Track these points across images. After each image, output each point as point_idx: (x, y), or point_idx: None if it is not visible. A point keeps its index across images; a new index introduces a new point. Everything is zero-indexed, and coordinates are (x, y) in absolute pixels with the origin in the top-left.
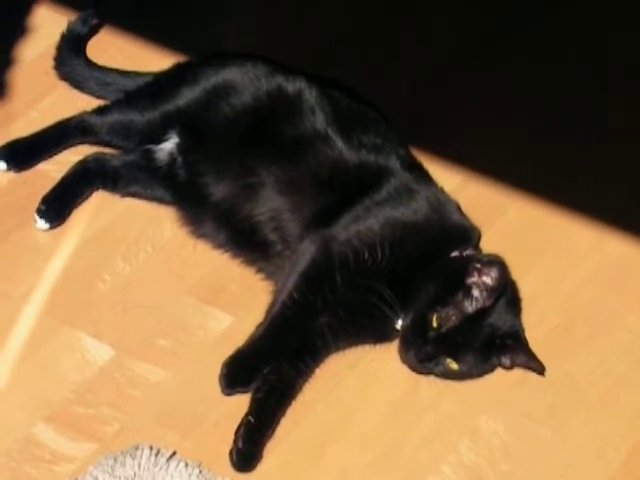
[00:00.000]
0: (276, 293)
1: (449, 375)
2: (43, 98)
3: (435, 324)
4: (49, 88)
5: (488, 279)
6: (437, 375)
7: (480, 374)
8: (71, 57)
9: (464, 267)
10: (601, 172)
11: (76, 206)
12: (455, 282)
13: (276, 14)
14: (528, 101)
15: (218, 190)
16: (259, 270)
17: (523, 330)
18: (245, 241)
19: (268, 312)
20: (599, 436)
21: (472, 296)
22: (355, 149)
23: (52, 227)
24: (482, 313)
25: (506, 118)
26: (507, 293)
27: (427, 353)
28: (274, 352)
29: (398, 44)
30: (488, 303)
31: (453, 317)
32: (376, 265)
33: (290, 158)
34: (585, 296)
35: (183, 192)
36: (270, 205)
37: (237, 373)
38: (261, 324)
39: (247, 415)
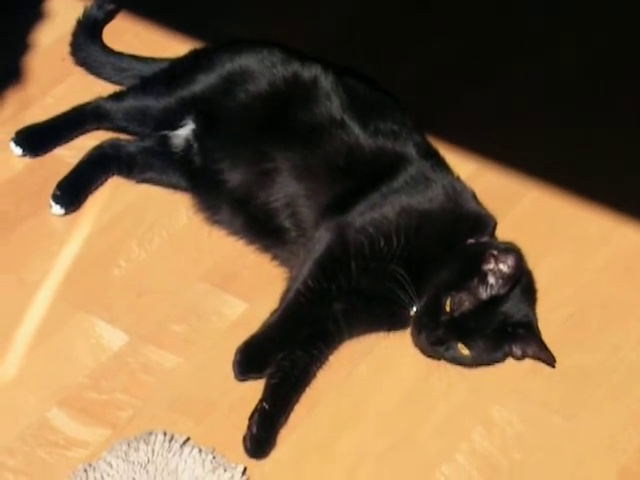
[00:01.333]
0: (291, 280)
1: (459, 360)
2: (59, 84)
3: (448, 308)
4: (65, 74)
5: (504, 267)
6: (447, 360)
7: (490, 362)
8: (87, 43)
9: (480, 253)
10: (615, 162)
11: (91, 192)
12: (471, 268)
13: (292, 3)
14: (544, 90)
15: (234, 177)
16: (274, 257)
17: (536, 321)
18: (260, 228)
19: (282, 299)
20: (612, 425)
21: (487, 283)
22: (372, 135)
23: (67, 212)
24: (496, 300)
25: (522, 107)
26: (522, 282)
27: (439, 336)
28: (288, 339)
29: (412, 29)
30: (503, 291)
31: (467, 302)
32: (391, 253)
33: (306, 144)
34: (599, 286)
35: (199, 178)
36: (286, 191)
37: (251, 359)
38: (275, 311)
39: (261, 401)
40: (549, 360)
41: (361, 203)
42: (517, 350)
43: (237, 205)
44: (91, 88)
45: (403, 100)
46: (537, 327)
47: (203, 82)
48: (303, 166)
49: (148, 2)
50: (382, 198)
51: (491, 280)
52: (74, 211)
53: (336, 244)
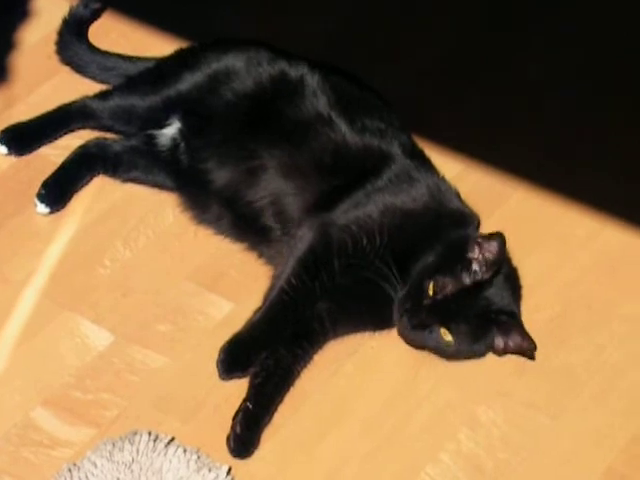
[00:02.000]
0: (274, 278)
1: (442, 348)
2: (45, 82)
3: (431, 291)
4: (51, 72)
5: (488, 254)
6: (430, 348)
7: (473, 353)
8: (73, 41)
9: (465, 242)
10: (601, 162)
11: (76, 191)
12: (455, 255)
13: (279, 4)
14: (529, 91)
15: (221, 176)
16: (260, 255)
17: (520, 314)
18: (247, 227)
19: (266, 297)
20: (597, 425)
21: (471, 269)
22: (358, 133)
23: (52, 211)
24: (479, 286)
25: (507, 107)
26: (505, 272)
27: (421, 319)
28: (272, 337)
29: (401, 32)
30: (486, 276)
31: (450, 286)
32: (374, 251)
33: (292, 142)
34: (583, 285)
35: (185, 178)
36: (272, 189)
37: (234, 358)
38: (259, 309)
39: (245, 401)
40: (531, 349)
41: (345, 201)
42: (499, 341)
43: (224, 204)
44: (77, 87)
45: (391, 100)
46: (520, 318)
47: (189, 81)
48: (289, 163)
49: (134, 1)
50: (366, 197)
51: (475, 267)
52: (59, 210)
53: (319, 242)
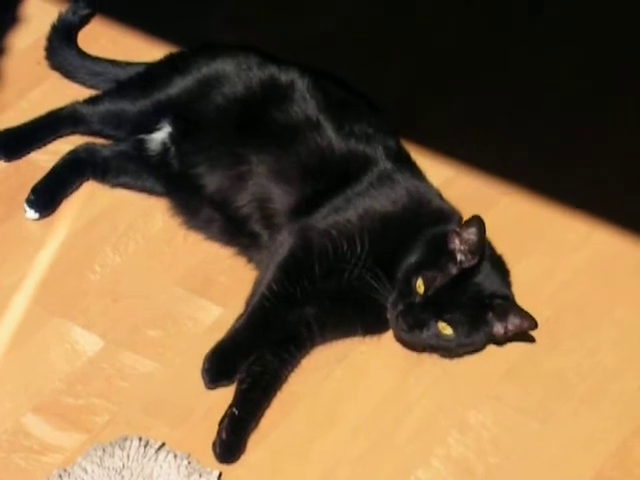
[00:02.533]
0: (255, 284)
1: (443, 344)
2: (34, 88)
3: (421, 288)
4: (40, 78)
5: (470, 239)
6: (432, 346)
7: (474, 343)
8: (62, 47)
9: (445, 236)
10: (591, 166)
11: (66, 196)
12: (437, 249)
13: (270, 6)
14: (520, 96)
15: (211, 181)
16: (250, 260)
17: (513, 295)
18: (237, 231)
19: (247, 303)
20: (588, 429)
21: (455, 259)
22: (344, 138)
23: (41, 217)
24: (467, 273)
25: (498, 113)
26: (492, 259)
27: (416, 318)
28: (255, 344)
29: (391, 38)
30: (472, 262)
31: (438, 278)
32: (356, 256)
33: (281, 146)
34: (574, 289)
35: (175, 182)
36: (259, 194)
37: (219, 367)
38: (241, 316)
39: (231, 407)
40: (531, 325)
41: (325, 206)
42: (498, 327)
43: (214, 209)
44: (67, 92)
45: (380, 105)
46: (514, 301)
47: (179, 86)
48: (277, 168)
49: (124, 7)
50: (346, 201)
51: (459, 256)
52: (48, 216)
53: (299, 247)
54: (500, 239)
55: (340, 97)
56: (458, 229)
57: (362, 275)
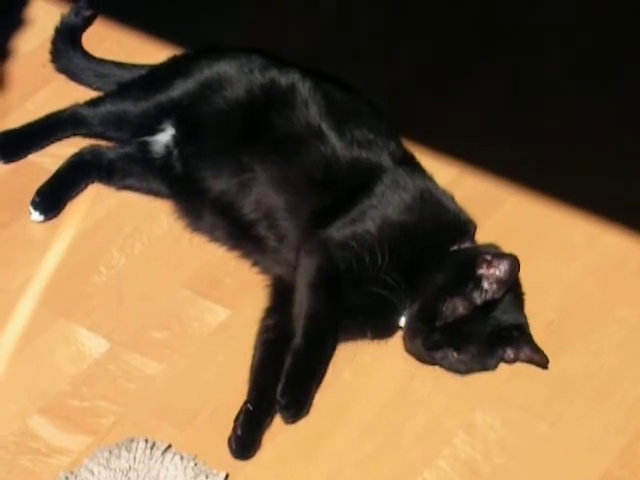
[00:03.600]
0: (291, 315)
1: (454, 367)
2: (39, 90)
3: (444, 314)
4: (46, 80)
5: (498, 272)
6: (442, 365)
7: (484, 367)
8: (67, 49)
9: (473, 258)
10: (597, 167)
11: (71, 198)
12: (465, 273)
13: (273, 9)
14: (526, 95)
15: (215, 185)
16: (255, 264)
17: (527, 324)
18: (241, 235)
19: (295, 333)
20: (594, 430)
21: (482, 288)
22: (348, 145)
23: (47, 219)
24: (490, 305)
25: (504, 111)
26: (514, 288)
27: (434, 341)
28: (322, 370)
29: (393, 37)
30: (497, 295)
31: (461, 307)
32: (378, 266)
33: (283, 155)
34: (580, 291)
35: (179, 185)
36: (264, 202)
37: (298, 403)
38: (296, 354)
39: (246, 403)
40: (542, 362)
41: (341, 219)
42: (510, 354)
43: (218, 213)
44: (72, 95)
45: (383, 106)
46: (528, 329)
47: (181, 88)
48: (281, 178)
49: (129, 8)
50: (361, 212)
51: (485, 285)
52: (53, 217)
53: (325, 265)
54: (505, 240)
55: (341, 101)
56: (489, 258)
57: (380, 281)
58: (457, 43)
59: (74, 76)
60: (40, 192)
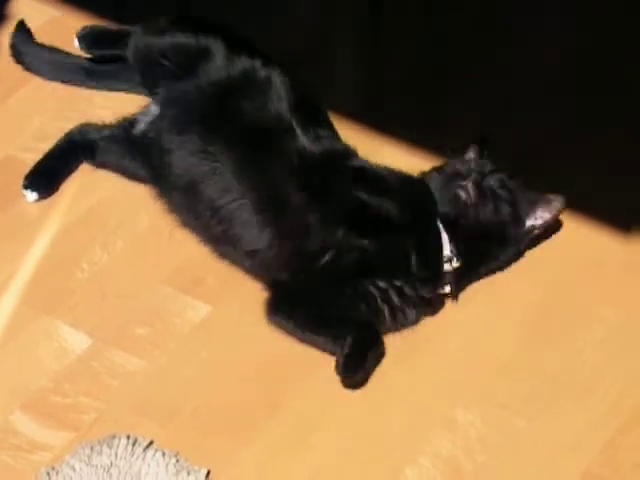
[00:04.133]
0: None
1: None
2: (22, 86)
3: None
4: (28, 76)
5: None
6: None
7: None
8: (25, 47)
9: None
10: (582, 163)
11: (64, 178)
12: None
13: (267, 8)
14: (526, 95)
15: (182, 171)
16: (232, 261)
17: None
18: (207, 222)
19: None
20: (576, 426)
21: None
22: (314, 141)
23: (40, 198)
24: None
25: (504, 111)
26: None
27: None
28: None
29: (393, 37)
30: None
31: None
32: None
33: (252, 144)
34: (562, 287)
35: (153, 169)
36: (229, 191)
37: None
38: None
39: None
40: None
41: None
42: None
43: (184, 198)
44: (55, 90)
45: (382, 106)
46: None
47: (176, 37)
48: (249, 167)
49: (114, 5)
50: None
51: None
52: (47, 197)
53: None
54: None
55: (306, 98)
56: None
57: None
58: (457, 43)
59: (36, 71)
60: (31, 173)
